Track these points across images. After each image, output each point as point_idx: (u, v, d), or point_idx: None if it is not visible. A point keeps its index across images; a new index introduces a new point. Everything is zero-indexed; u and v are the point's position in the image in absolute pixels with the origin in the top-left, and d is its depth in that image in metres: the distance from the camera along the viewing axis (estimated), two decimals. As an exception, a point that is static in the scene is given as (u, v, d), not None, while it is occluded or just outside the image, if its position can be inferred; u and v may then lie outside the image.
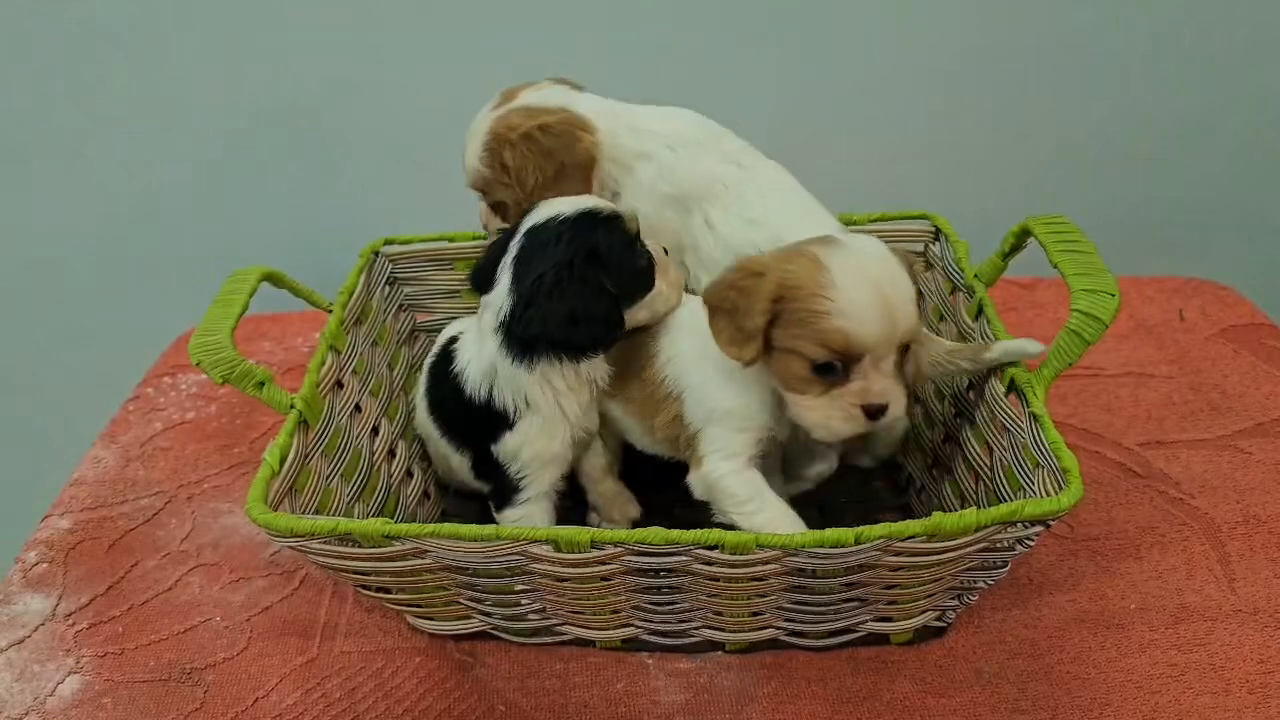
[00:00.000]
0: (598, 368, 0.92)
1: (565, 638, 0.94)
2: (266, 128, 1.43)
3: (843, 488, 1.12)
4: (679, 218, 1.00)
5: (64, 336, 1.58)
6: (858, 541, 0.75)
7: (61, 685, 0.93)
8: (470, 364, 0.94)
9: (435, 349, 1.05)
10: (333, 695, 0.91)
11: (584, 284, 0.86)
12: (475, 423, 0.94)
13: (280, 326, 1.43)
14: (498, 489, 0.96)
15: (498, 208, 1.05)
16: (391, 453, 1.06)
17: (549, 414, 0.91)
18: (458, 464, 1.01)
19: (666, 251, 0.96)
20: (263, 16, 1.33)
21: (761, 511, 0.86)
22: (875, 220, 1.13)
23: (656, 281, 0.92)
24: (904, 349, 0.83)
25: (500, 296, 0.89)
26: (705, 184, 0.98)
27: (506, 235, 0.93)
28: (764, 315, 0.80)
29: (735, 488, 0.88)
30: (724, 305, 0.83)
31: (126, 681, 0.93)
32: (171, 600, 1.01)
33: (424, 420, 1.06)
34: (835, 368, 0.80)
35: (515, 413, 0.91)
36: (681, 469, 0.99)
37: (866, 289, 0.78)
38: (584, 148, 0.98)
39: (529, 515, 0.95)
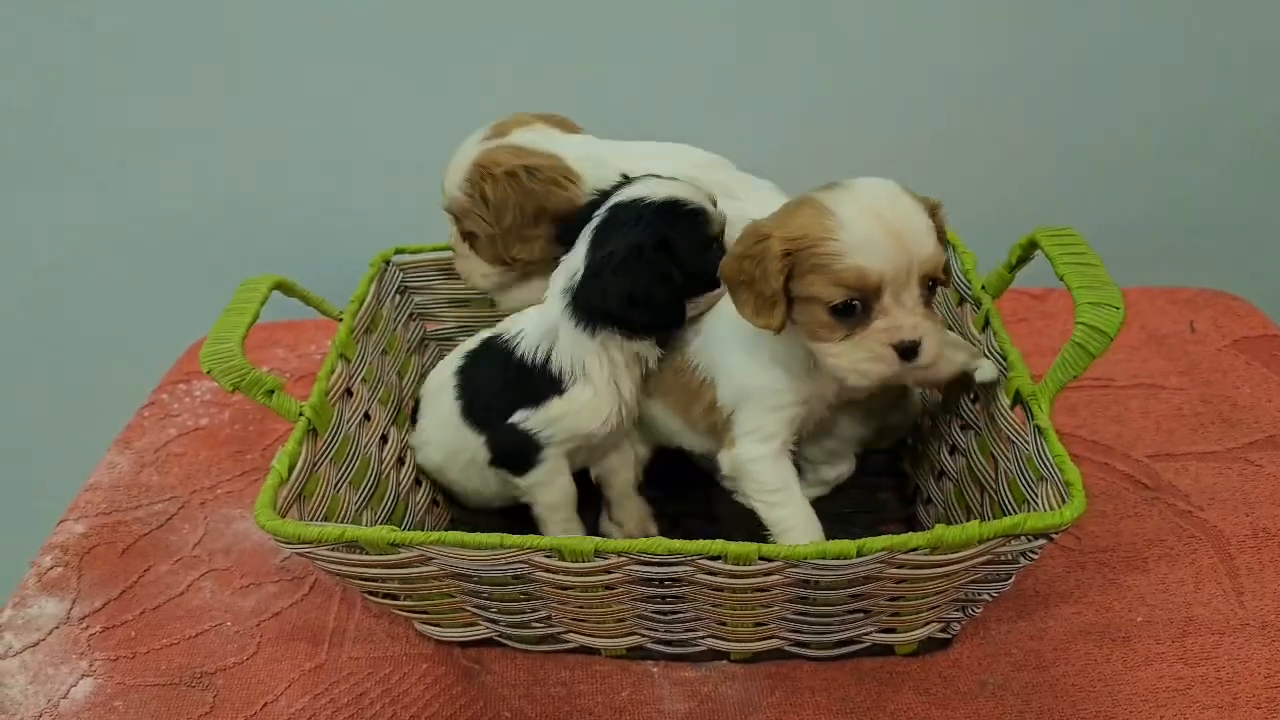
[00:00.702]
0: (650, 349, 0.95)
1: (571, 645, 0.94)
2: (281, 137, 1.45)
3: (850, 498, 1.12)
4: None
5: (80, 342, 1.60)
6: (860, 554, 0.75)
7: (74, 688, 0.95)
8: (529, 328, 0.96)
9: (459, 356, 1.04)
10: (340, 700, 0.92)
11: (650, 269, 0.88)
12: (518, 388, 0.95)
13: (294, 334, 1.44)
14: (518, 453, 0.96)
15: (467, 236, 1.06)
16: (400, 460, 1.07)
17: (601, 386, 0.93)
18: (478, 454, 0.99)
19: None
20: (276, 26, 1.34)
21: (784, 506, 0.88)
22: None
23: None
24: (929, 285, 0.81)
25: (575, 262, 0.93)
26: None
27: (597, 201, 0.95)
28: (780, 275, 0.79)
29: (765, 475, 0.89)
30: (740, 278, 0.83)
31: (138, 685, 0.94)
32: (183, 605, 1.03)
33: (440, 436, 1.04)
34: (855, 308, 0.79)
35: (570, 378, 0.93)
36: (693, 482, 1.01)
37: (873, 222, 0.78)
38: (566, 197, 0.99)
39: (551, 478, 0.97)
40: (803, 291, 0.80)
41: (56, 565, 1.08)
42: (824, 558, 0.76)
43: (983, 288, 1.01)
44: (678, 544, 0.77)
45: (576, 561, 0.79)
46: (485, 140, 1.03)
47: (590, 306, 0.91)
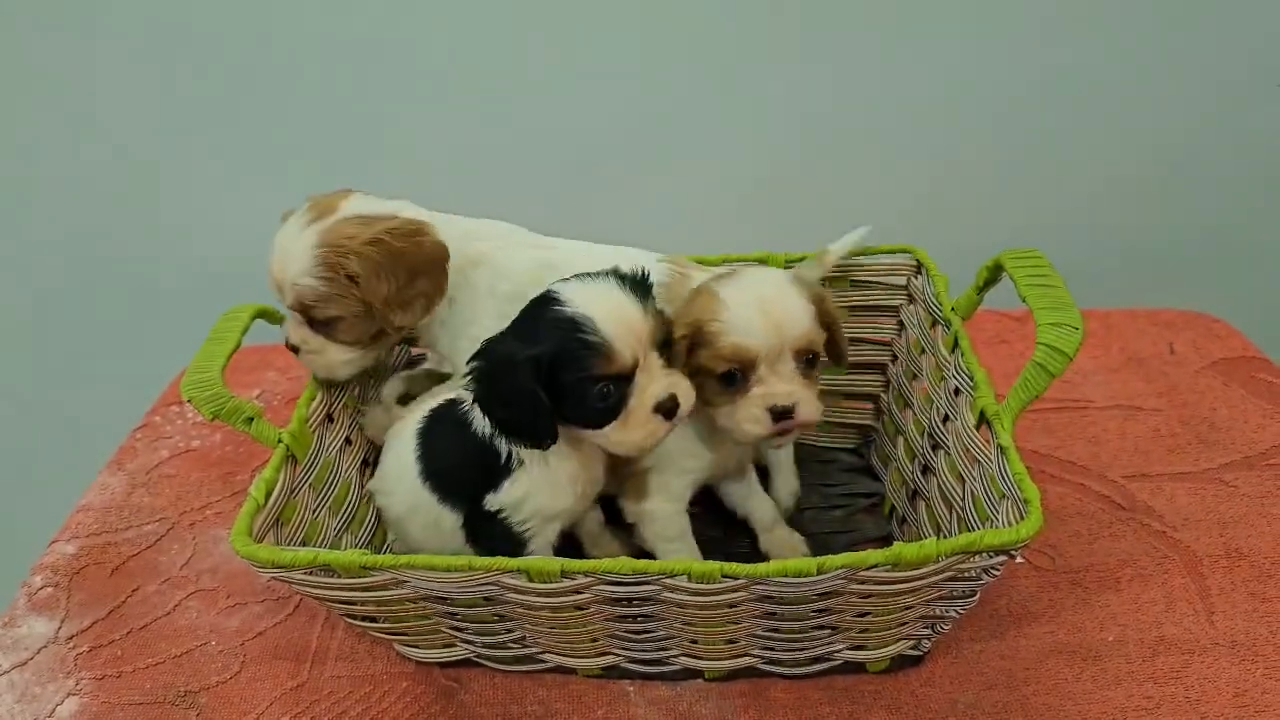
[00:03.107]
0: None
1: (547, 665, 0.96)
2: (271, 160, 1.48)
3: (830, 519, 1.14)
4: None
5: (74, 364, 1.63)
6: (820, 571, 0.77)
7: (60, 706, 0.96)
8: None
9: (422, 414, 1.00)
10: (321, 718, 0.93)
11: (515, 380, 0.84)
12: (476, 468, 0.92)
13: (285, 357, 1.44)
14: (498, 549, 0.90)
15: (327, 324, 0.99)
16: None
17: (539, 469, 0.91)
18: (450, 528, 0.96)
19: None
20: (271, 45, 1.38)
21: (680, 552, 1.02)
22: (858, 255, 1.16)
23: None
24: (807, 358, 0.93)
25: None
26: (535, 274, 0.98)
27: None
28: (683, 354, 0.92)
29: (668, 527, 1.02)
30: None
31: (123, 703, 0.96)
32: (170, 624, 1.05)
33: (402, 489, 0.99)
34: (735, 376, 0.92)
35: (515, 459, 0.90)
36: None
37: (753, 307, 0.91)
38: (433, 241, 0.97)
39: (548, 551, 0.95)
40: (698, 364, 0.92)
41: (47, 585, 1.10)
42: (785, 575, 0.77)
43: (953, 309, 1.03)
44: (642, 564, 0.79)
45: (544, 582, 0.80)
46: (316, 220, 0.97)
47: (469, 391, 0.88)
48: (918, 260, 1.13)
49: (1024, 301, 0.91)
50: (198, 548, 1.14)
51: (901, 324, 1.16)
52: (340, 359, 1.02)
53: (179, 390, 1.37)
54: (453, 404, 0.96)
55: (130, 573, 1.11)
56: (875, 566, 0.77)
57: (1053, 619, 1.00)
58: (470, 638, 0.93)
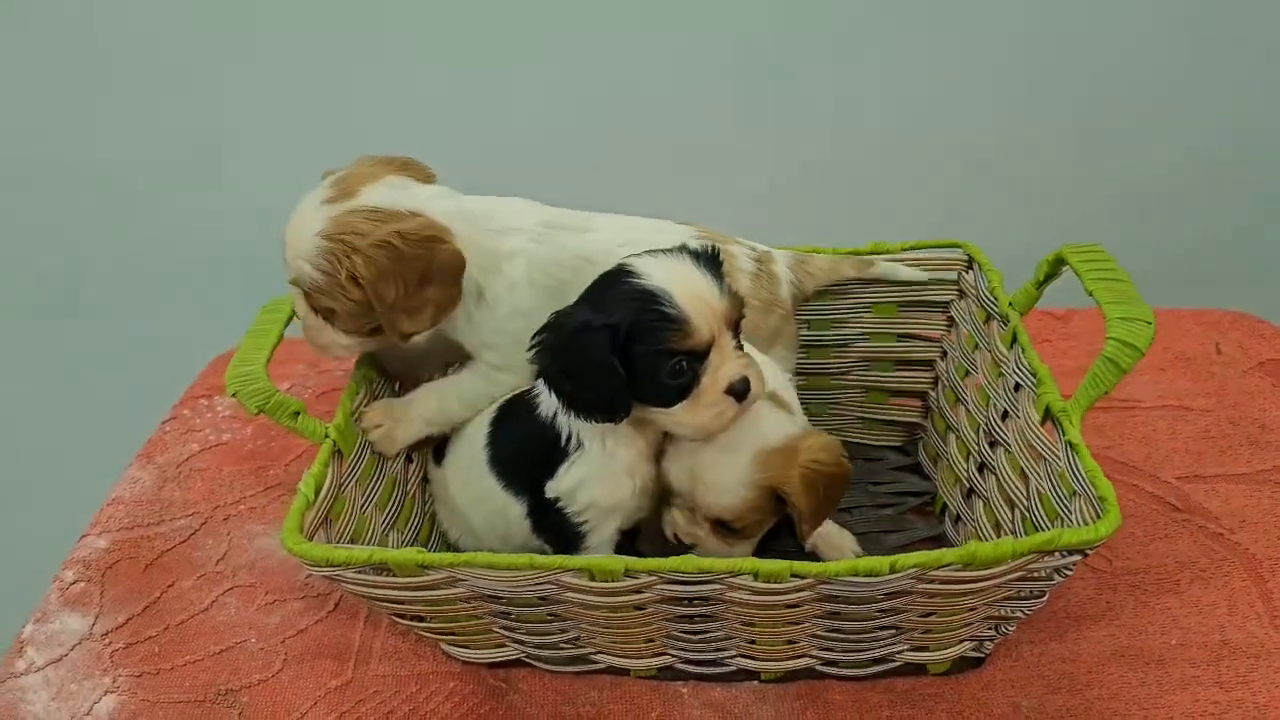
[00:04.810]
0: (656, 414, 0.87)
1: (600, 666, 0.93)
2: (303, 155, 1.45)
3: (879, 518, 1.12)
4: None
5: (99, 356, 1.60)
6: (892, 570, 0.75)
7: (98, 704, 0.94)
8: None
9: (497, 405, 1.00)
10: (367, 719, 0.91)
11: (588, 351, 0.82)
12: (538, 453, 0.91)
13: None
14: (559, 539, 0.92)
15: (323, 311, 0.94)
16: (426, 480, 1.07)
17: (596, 453, 0.89)
18: (516, 517, 0.95)
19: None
20: (306, 39, 1.36)
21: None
22: (908, 249, 1.13)
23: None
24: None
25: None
26: (575, 267, 0.94)
27: None
28: None
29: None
30: None
31: (162, 702, 0.94)
32: (207, 621, 1.02)
33: (474, 488, 0.99)
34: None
35: (574, 444, 0.89)
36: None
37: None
38: (450, 249, 0.90)
39: (607, 549, 0.93)
40: None
41: (79, 580, 1.08)
42: (856, 574, 0.75)
43: (1010, 304, 1.01)
44: (708, 562, 0.77)
45: (606, 581, 0.78)
46: (330, 203, 0.90)
47: (536, 365, 0.86)
48: (969, 255, 1.11)
49: (1090, 295, 0.89)
50: (232, 543, 1.12)
51: (952, 320, 1.14)
52: (339, 342, 0.97)
53: (214, 380, 1.37)
54: (525, 393, 0.94)
55: (164, 568, 1.09)
56: (948, 566, 0.75)
57: (1112, 622, 0.97)
58: (522, 638, 0.90)
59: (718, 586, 0.78)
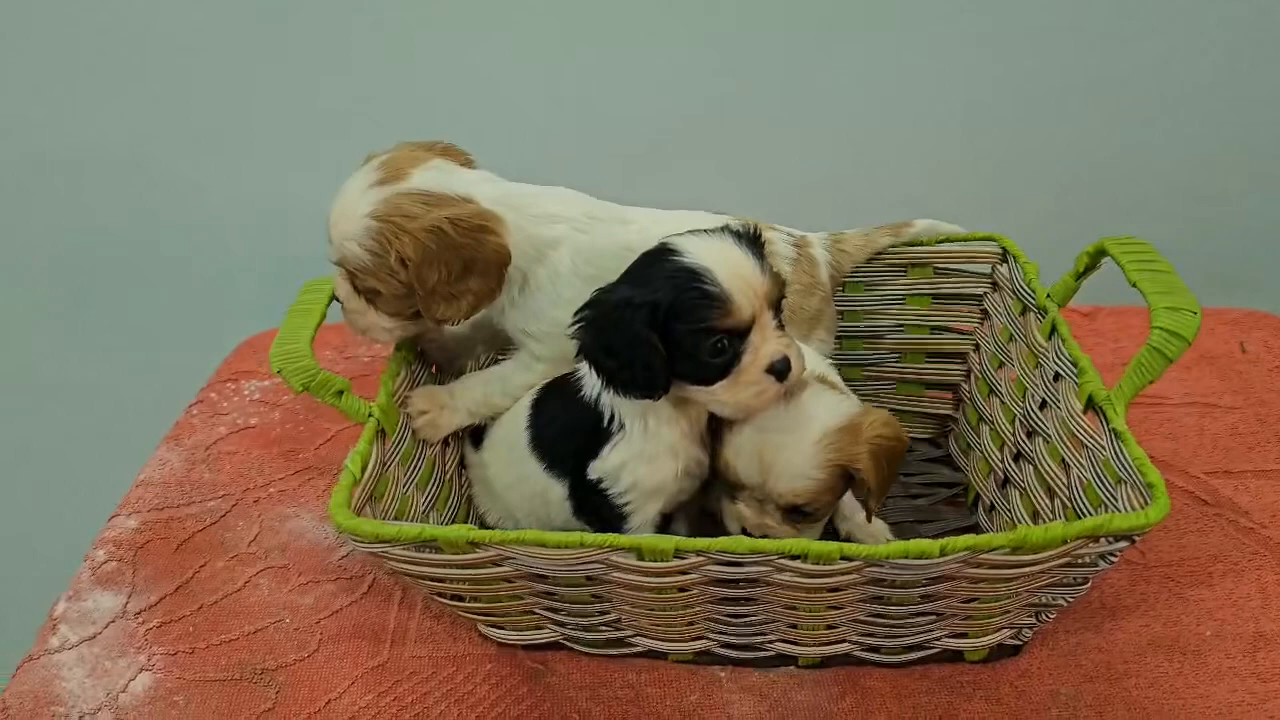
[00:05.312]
0: (697, 393, 0.87)
1: (637, 649, 0.93)
2: (326, 138, 1.45)
3: (912, 508, 1.12)
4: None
5: (121, 340, 1.60)
6: (943, 553, 0.75)
7: (133, 682, 0.94)
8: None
9: (538, 389, 1.00)
10: (405, 699, 0.91)
11: (629, 328, 0.82)
12: (580, 434, 0.91)
13: (342, 336, 1.44)
14: (600, 521, 0.92)
15: (368, 292, 0.94)
16: (463, 464, 1.07)
17: (638, 434, 0.89)
18: (557, 499, 0.95)
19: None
20: (339, 26, 1.36)
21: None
22: (942, 242, 1.14)
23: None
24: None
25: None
26: (618, 256, 0.93)
27: None
28: None
29: (747, 514, 0.95)
30: None
31: (198, 680, 0.93)
32: (241, 601, 1.02)
33: (515, 469, 0.99)
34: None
35: (617, 424, 0.89)
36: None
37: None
38: (497, 243, 0.90)
39: (649, 529, 0.93)
40: None
41: (110, 560, 1.07)
42: (906, 557, 0.75)
43: (1048, 296, 1.01)
44: (759, 543, 0.77)
45: (656, 560, 0.78)
46: (379, 185, 0.90)
47: (576, 340, 0.86)
48: (1004, 248, 1.11)
49: (1134, 286, 0.89)
50: (264, 525, 1.12)
51: (985, 312, 1.14)
52: (380, 324, 0.97)
53: (240, 364, 1.37)
54: (568, 375, 0.94)
55: (196, 548, 1.09)
56: (998, 549, 0.75)
57: (1147, 613, 0.98)
58: (562, 619, 0.90)
59: (766, 568, 0.78)
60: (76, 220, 1.50)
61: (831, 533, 1.05)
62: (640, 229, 0.99)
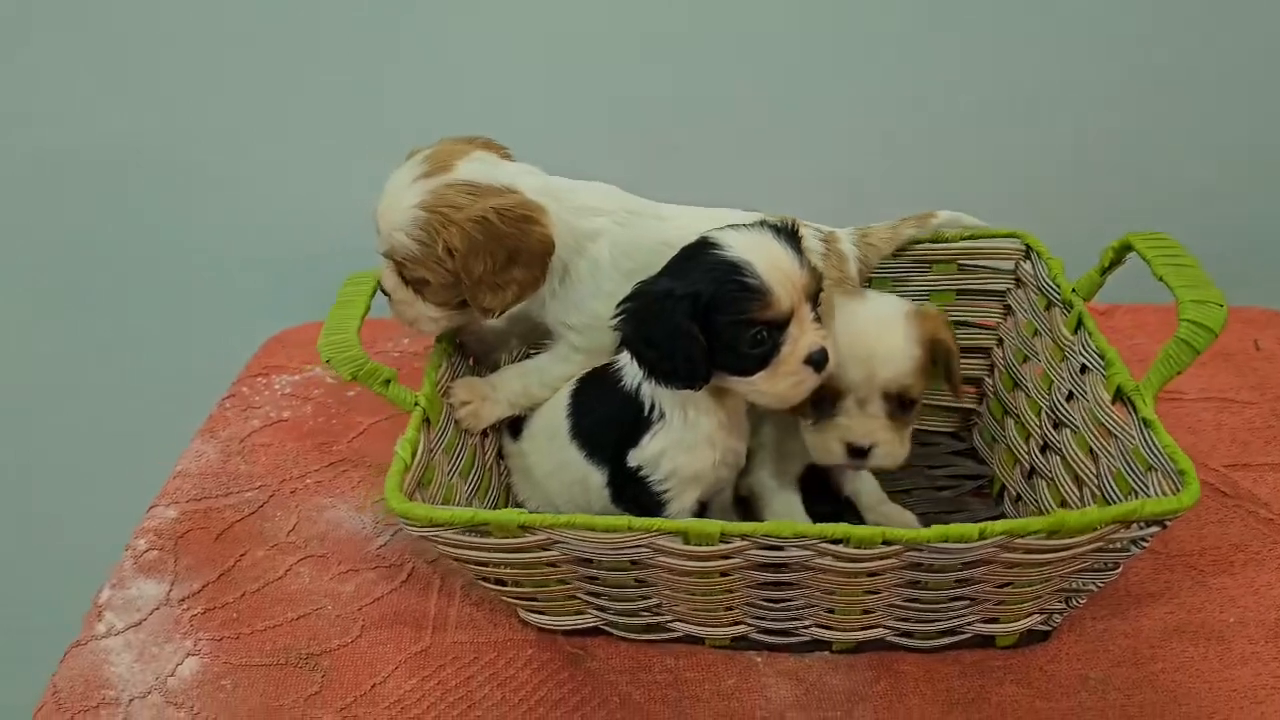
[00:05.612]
0: (737, 383, 0.88)
1: (675, 635, 0.95)
2: (354, 137, 1.47)
3: (938, 500, 1.15)
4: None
5: (148, 336, 1.61)
6: (982, 536, 0.77)
7: (181, 666, 0.95)
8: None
9: (577, 379, 1.02)
10: (449, 683, 0.93)
11: (670, 319, 0.84)
12: (620, 422, 0.93)
13: (369, 331, 1.44)
14: (638, 508, 0.92)
15: (416, 282, 0.96)
16: (500, 456, 1.09)
17: (678, 422, 0.91)
18: (596, 486, 0.97)
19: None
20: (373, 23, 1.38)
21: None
22: (965, 239, 1.16)
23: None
24: (900, 401, 0.97)
25: None
26: (656, 251, 0.94)
27: None
28: None
29: (778, 503, 1.06)
30: None
31: (245, 664, 0.95)
32: (282, 589, 1.04)
33: (554, 456, 1.01)
34: (823, 401, 0.97)
35: (657, 412, 0.91)
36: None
37: (849, 341, 0.95)
38: (542, 233, 0.92)
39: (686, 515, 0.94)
40: None
41: (151, 549, 1.09)
42: (946, 541, 0.78)
43: (1073, 290, 1.03)
44: (802, 526, 0.79)
45: (701, 544, 0.80)
46: (426, 178, 0.92)
47: (618, 331, 0.88)
48: (1027, 245, 1.14)
49: (1160, 280, 0.92)
50: (301, 515, 1.13)
51: (1008, 308, 1.17)
52: (428, 314, 0.99)
53: (269, 358, 1.39)
54: (608, 365, 0.96)
55: (235, 538, 1.10)
56: (1035, 533, 0.78)
57: (1171, 600, 1.00)
58: (604, 604, 0.92)
59: (808, 553, 0.80)
60: (107, 218, 1.52)
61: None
62: (678, 225, 1.01)
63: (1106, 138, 1.49)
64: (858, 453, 0.97)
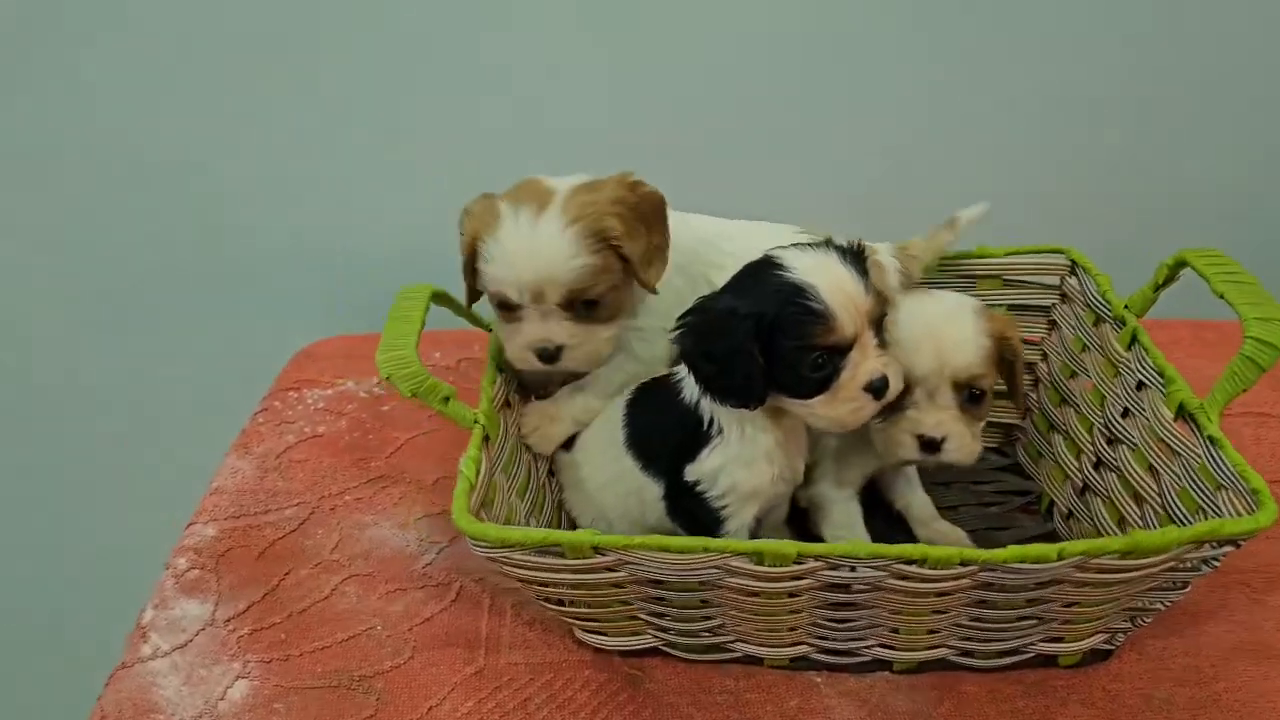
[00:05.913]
0: (791, 404, 0.88)
1: (734, 655, 0.94)
2: (383, 152, 1.46)
3: (987, 516, 1.14)
4: (687, 286, 1.00)
5: (176, 350, 1.59)
6: (1060, 557, 0.77)
7: (230, 689, 0.93)
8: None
9: (632, 389, 1.02)
10: (506, 705, 0.91)
11: (732, 338, 0.83)
12: (677, 436, 0.92)
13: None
14: (694, 523, 0.93)
15: (592, 305, 0.96)
16: (552, 472, 1.08)
17: (735, 437, 0.90)
18: (652, 499, 0.96)
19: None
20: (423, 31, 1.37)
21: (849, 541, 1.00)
22: (1010, 254, 1.16)
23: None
24: (970, 392, 0.96)
25: None
26: (694, 248, 1.00)
27: None
28: None
29: (838, 515, 1.05)
30: None
31: (297, 687, 0.93)
32: (329, 609, 1.02)
33: (609, 468, 1.01)
34: None
35: (713, 428, 0.90)
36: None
37: (918, 330, 0.95)
38: (651, 190, 0.96)
39: (743, 533, 0.94)
40: None
41: (193, 568, 1.07)
42: (1023, 561, 0.77)
43: (1126, 307, 1.03)
44: (879, 548, 0.78)
45: (776, 565, 0.79)
46: (542, 209, 0.93)
47: (678, 345, 0.87)
48: (1073, 260, 1.13)
49: (1220, 297, 0.92)
50: (344, 533, 1.12)
51: (1053, 323, 1.16)
52: (604, 336, 0.98)
53: (300, 373, 1.37)
54: (665, 377, 0.96)
55: (278, 556, 1.09)
56: (1112, 553, 0.77)
57: (1228, 619, 1.00)
58: (665, 624, 0.91)
59: (882, 573, 0.80)
60: (133, 221, 1.49)
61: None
62: (710, 232, 1.04)
63: (1149, 147, 1.49)
64: (929, 445, 0.95)
